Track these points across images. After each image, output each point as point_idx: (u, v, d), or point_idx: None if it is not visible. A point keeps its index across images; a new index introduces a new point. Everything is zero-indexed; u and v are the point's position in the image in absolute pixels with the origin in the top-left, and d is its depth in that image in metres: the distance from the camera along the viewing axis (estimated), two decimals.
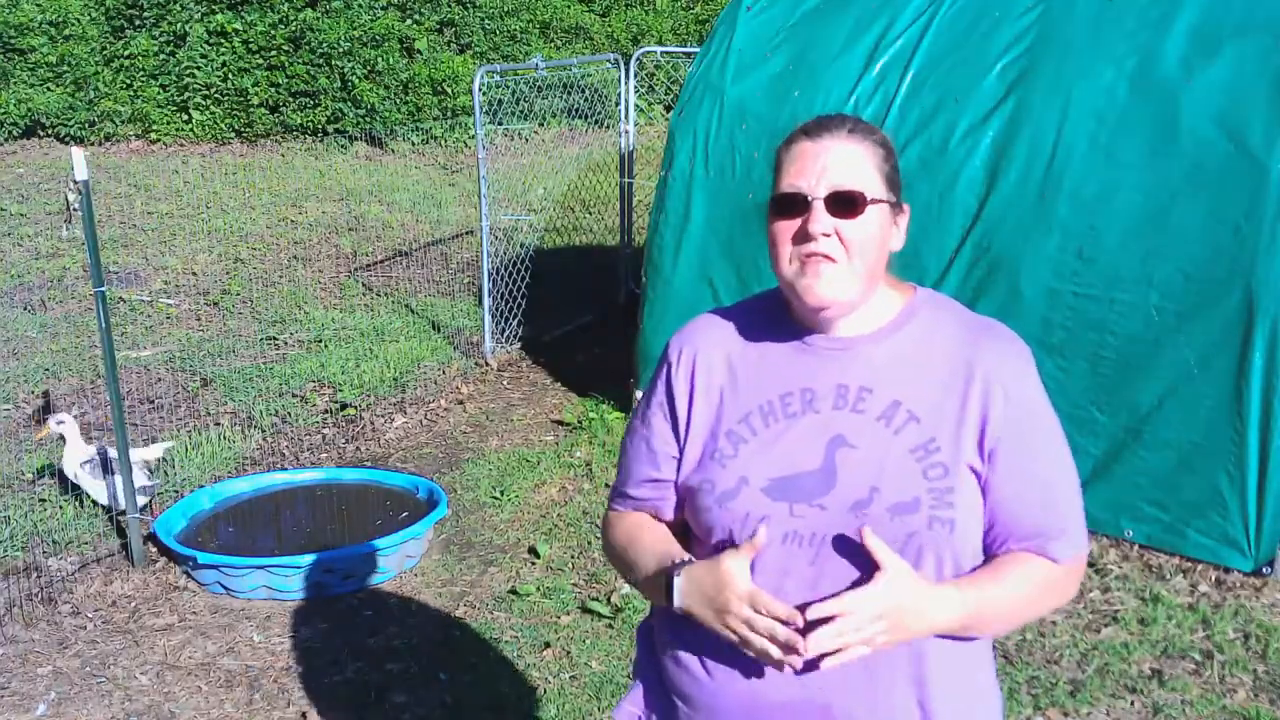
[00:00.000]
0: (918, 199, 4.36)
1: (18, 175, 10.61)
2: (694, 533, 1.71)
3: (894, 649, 1.56)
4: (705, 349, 1.71)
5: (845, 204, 1.55)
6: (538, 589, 4.13)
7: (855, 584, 1.56)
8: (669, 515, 1.75)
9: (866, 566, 1.56)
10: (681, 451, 1.70)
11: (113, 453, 4.34)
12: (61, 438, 4.52)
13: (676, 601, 1.60)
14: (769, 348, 1.68)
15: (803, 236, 1.57)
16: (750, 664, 1.61)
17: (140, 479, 4.41)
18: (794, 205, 1.58)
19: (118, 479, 4.33)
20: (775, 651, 1.50)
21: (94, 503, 4.61)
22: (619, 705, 1.83)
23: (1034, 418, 1.60)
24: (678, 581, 1.60)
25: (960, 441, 1.56)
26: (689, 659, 1.69)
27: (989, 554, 1.62)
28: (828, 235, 1.55)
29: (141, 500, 4.44)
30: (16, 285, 7.63)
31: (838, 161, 1.57)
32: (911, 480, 1.55)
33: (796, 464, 1.59)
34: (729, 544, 1.61)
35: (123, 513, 4.40)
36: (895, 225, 1.64)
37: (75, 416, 5.65)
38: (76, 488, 4.58)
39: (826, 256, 1.56)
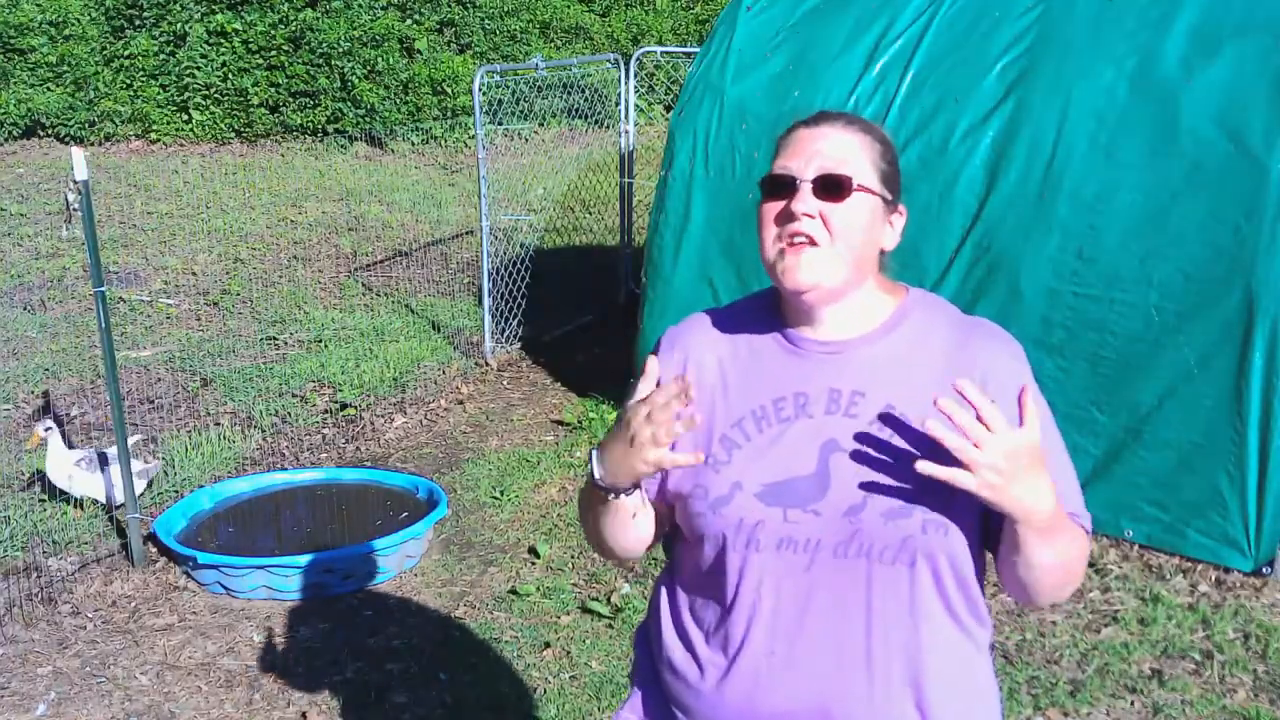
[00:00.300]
0: (918, 199, 4.36)
1: (18, 175, 10.61)
2: (685, 538, 1.70)
3: (891, 648, 1.57)
4: (697, 350, 1.70)
5: (832, 187, 1.54)
6: (538, 589, 4.13)
7: (851, 592, 1.56)
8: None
9: (862, 572, 1.56)
10: None
11: (111, 451, 4.35)
12: (44, 443, 4.51)
13: (596, 472, 1.60)
14: (762, 350, 1.66)
15: (787, 217, 1.56)
16: (747, 673, 1.61)
17: (135, 465, 4.42)
18: (782, 187, 1.57)
19: (114, 470, 4.35)
20: (681, 427, 1.49)
21: (94, 501, 4.61)
22: (617, 712, 1.82)
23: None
24: (594, 454, 1.61)
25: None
26: (686, 668, 1.68)
27: (997, 551, 1.62)
28: (811, 216, 1.54)
29: (141, 483, 4.45)
30: (16, 285, 7.64)
31: (830, 147, 1.57)
32: (905, 484, 1.54)
33: (790, 469, 1.58)
34: (723, 551, 1.61)
35: (120, 506, 4.40)
36: (889, 224, 1.63)
37: (75, 416, 5.67)
38: (64, 493, 4.57)
39: (809, 238, 1.55)
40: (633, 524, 1.69)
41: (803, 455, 1.58)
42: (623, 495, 1.62)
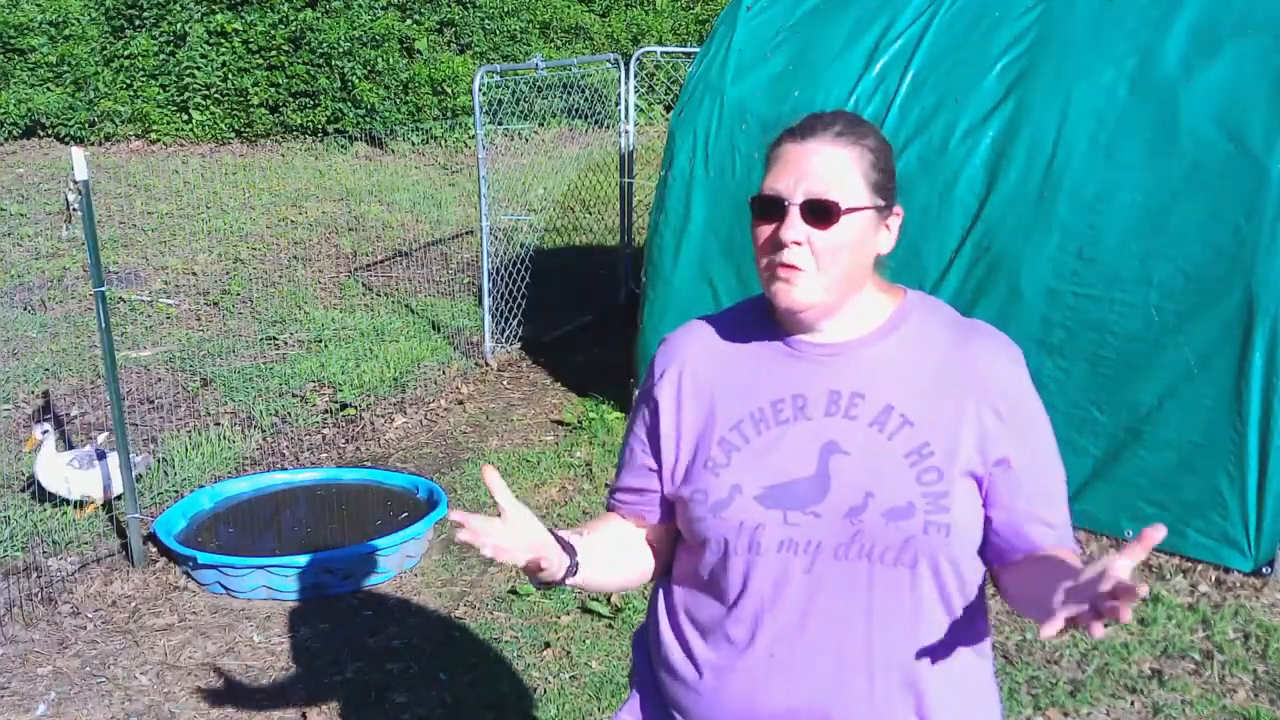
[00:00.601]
0: (918, 199, 4.36)
1: (18, 175, 10.61)
2: (684, 540, 1.70)
3: (892, 650, 1.57)
4: (693, 358, 1.70)
5: (820, 213, 1.53)
6: (538, 589, 4.12)
7: (852, 594, 1.56)
8: (653, 520, 1.75)
9: (863, 573, 1.55)
10: (660, 463, 1.69)
11: (101, 439, 4.35)
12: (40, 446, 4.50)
13: (532, 584, 1.64)
14: (759, 353, 1.66)
15: (776, 244, 1.55)
16: (747, 675, 1.61)
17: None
18: (771, 209, 1.56)
19: (111, 464, 4.36)
20: (504, 528, 1.50)
21: (94, 500, 4.60)
22: (615, 715, 1.82)
23: (1031, 421, 1.60)
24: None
25: (955, 445, 1.55)
26: (685, 671, 1.68)
27: (995, 556, 1.62)
28: (799, 244, 1.53)
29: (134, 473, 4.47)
30: (16, 285, 7.63)
31: (819, 167, 1.54)
32: (905, 485, 1.53)
33: (790, 471, 1.57)
34: (724, 555, 1.60)
35: (119, 497, 4.40)
36: (885, 228, 1.61)
37: (75, 416, 5.66)
38: (54, 496, 4.56)
39: (795, 266, 1.54)
40: (603, 583, 1.70)
41: (802, 457, 1.57)
42: (567, 580, 1.62)
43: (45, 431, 4.47)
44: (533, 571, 1.57)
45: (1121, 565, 1.26)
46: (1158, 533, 1.25)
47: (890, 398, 1.58)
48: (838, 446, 1.57)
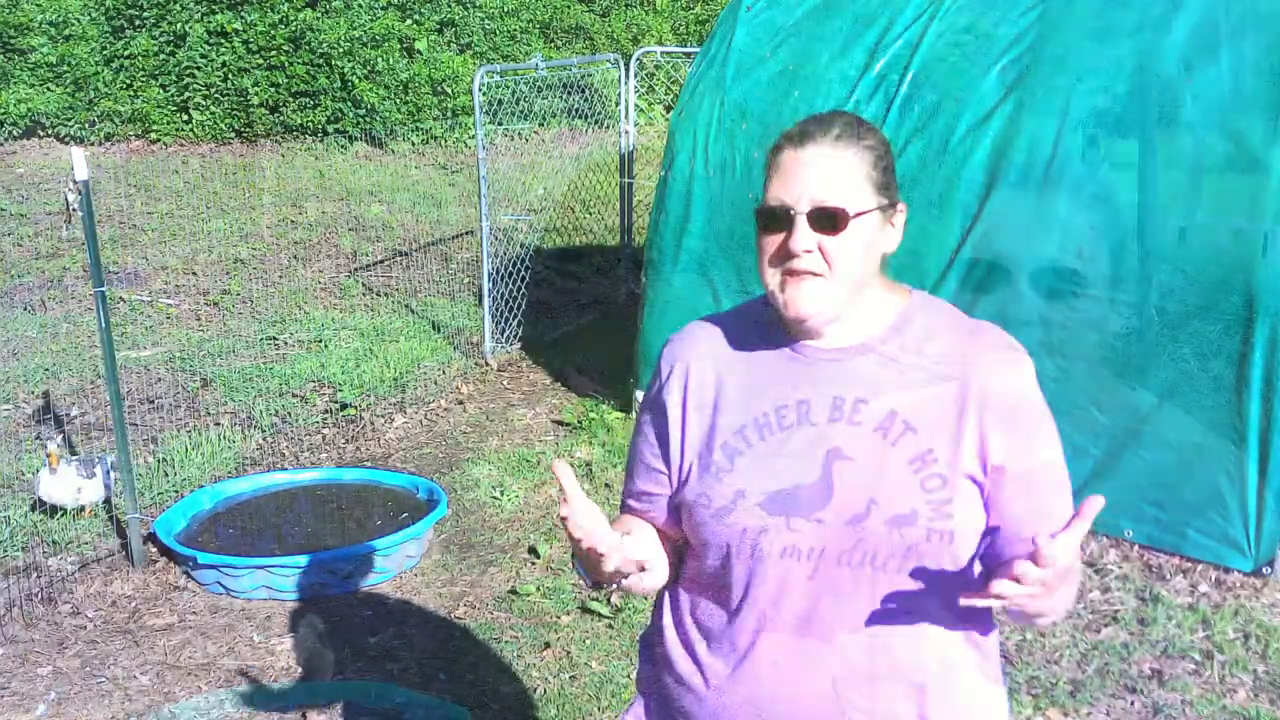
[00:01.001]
0: (918, 199, 4.36)
1: (18, 175, 10.61)
2: (691, 546, 1.70)
3: (895, 656, 1.57)
4: (698, 360, 1.69)
5: (827, 221, 1.52)
6: (538, 589, 4.13)
7: (854, 600, 1.56)
8: (662, 525, 1.75)
9: (865, 580, 1.55)
10: (669, 466, 1.69)
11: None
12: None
13: (587, 582, 1.64)
14: (763, 357, 1.65)
15: (786, 254, 1.55)
16: (751, 682, 1.60)
17: (111, 460, 4.44)
18: (778, 220, 1.55)
19: (112, 465, 4.39)
20: (583, 520, 1.50)
21: (94, 503, 4.60)
22: (620, 718, 1.82)
23: (1034, 424, 1.59)
24: (577, 568, 1.65)
25: (958, 452, 1.54)
26: (690, 676, 1.68)
27: (992, 558, 1.61)
28: (810, 252, 1.53)
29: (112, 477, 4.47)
30: (16, 285, 7.63)
31: (821, 175, 1.54)
32: (909, 492, 1.53)
33: (793, 477, 1.57)
34: (727, 559, 1.60)
35: (117, 494, 4.40)
36: (890, 225, 1.61)
37: (75, 416, 5.67)
38: (50, 506, 4.55)
39: (809, 273, 1.54)
40: (640, 582, 1.69)
41: (806, 463, 1.57)
42: (625, 579, 1.63)
43: (58, 444, 4.48)
44: (620, 575, 1.58)
45: (1048, 541, 1.31)
46: (1096, 503, 1.31)
47: (893, 403, 1.57)
48: (841, 453, 1.56)
